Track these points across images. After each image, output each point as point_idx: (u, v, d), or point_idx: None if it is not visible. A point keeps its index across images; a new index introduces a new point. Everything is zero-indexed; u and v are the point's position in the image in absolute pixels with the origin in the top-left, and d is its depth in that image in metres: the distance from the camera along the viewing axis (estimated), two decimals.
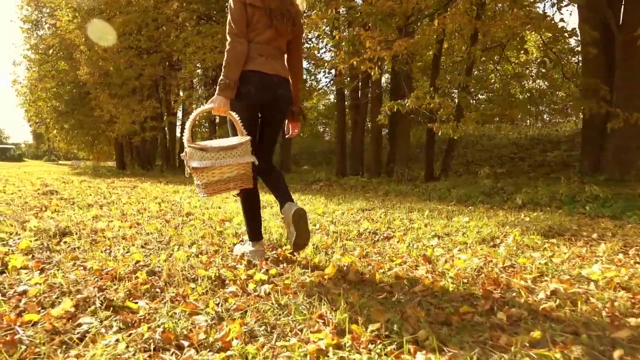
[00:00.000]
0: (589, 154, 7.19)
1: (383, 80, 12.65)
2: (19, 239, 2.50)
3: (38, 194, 5.89)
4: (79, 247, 2.41)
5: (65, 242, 2.51)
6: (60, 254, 2.24)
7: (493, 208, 4.57)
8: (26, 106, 20.67)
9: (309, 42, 10.70)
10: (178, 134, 18.16)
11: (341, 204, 4.91)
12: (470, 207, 4.61)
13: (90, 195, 5.96)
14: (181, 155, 2.00)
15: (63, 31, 14.15)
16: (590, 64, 6.61)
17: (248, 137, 2.01)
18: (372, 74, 5.32)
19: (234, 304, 1.52)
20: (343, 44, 5.29)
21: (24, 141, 67.73)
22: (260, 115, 2.18)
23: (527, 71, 13.71)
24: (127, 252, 2.34)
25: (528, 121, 23.85)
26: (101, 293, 1.55)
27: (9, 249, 2.21)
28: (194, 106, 12.79)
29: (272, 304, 1.52)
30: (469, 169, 14.47)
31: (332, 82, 12.25)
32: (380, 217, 3.83)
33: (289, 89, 2.17)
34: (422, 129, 18.64)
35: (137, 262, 2.07)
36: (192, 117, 1.97)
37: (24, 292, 1.56)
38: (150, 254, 2.33)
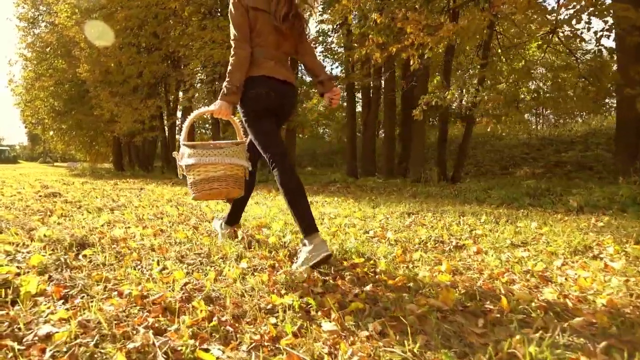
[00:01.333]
0: (625, 154, 6.79)
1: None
2: (28, 252, 2.04)
3: (40, 196, 5.41)
4: (103, 263, 1.95)
5: (84, 256, 2.05)
6: (82, 271, 1.79)
7: (547, 211, 4.14)
8: (22, 106, 20.07)
9: (329, 35, 10.20)
10: (178, 136, 17.66)
11: (377, 207, 4.47)
12: (522, 210, 4.18)
13: (97, 197, 5.49)
14: (173, 153, 2.01)
15: (61, 27, 13.64)
16: (627, 54, 6.19)
17: (244, 140, 2.01)
18: (412, 62, 4.87)
19: (350, 352, 1.07)
20: (372, 33, 4.86)
21: (18, 143, 66.76)
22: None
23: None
24: (164, 269, 1.89)
25: (530, 121, 23.46)
26: (160, 339, 1.10)
27: (18, 267, 1.75)
28: (195, 103, 12.29)
29: (404, 352, 1.07)
30: (480, 170, 14.11)
31: (344, 78, 11.77)
32: (433, 222, 3.39)
33: (295, 95, 2.19)
34: (427, 128, 18.26)
35: (186, 284, 1.62)
36: (191, 117, 1.93)
37: (48, 337, 1.10)
38: (193, 270, 1.88)
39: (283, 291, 1.60)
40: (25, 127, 33.39)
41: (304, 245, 1.92)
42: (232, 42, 1.97)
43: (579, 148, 13.35)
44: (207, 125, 23.02)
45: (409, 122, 11.90)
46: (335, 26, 9.62)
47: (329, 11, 5.69)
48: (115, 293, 1.49)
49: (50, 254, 1.98)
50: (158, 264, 1.97)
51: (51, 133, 21.09)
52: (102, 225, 3.24)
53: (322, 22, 7.93)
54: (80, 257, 2.05)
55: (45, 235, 2.35)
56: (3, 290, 1.38)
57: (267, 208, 4.25)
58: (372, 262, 2.09)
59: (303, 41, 2.18)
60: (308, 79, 14.61)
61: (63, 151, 23.22)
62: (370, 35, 4.58)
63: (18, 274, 1.62)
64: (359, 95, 13.40)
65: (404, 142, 11.26)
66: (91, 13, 12.19)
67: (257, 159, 2.26)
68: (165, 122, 14.82)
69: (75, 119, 15.76)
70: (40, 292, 1.47)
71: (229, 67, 1.92)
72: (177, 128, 18.01)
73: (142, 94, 12.58)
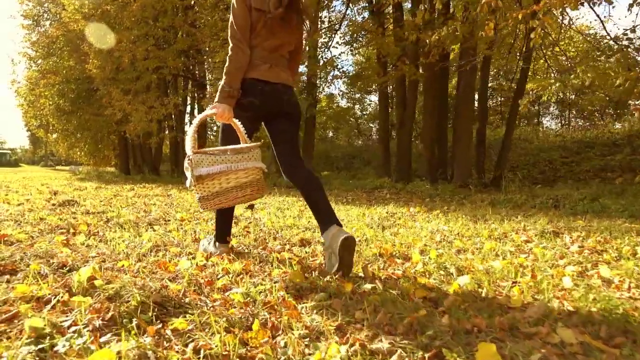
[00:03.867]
0: None
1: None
2: (73, 329, 1.09)
3: (53, 205, 4.47)
4: (226, 355, 1.00)
5: (177, 333, 1.11)
6: None
7: None
8: (25, 107, 19.13)
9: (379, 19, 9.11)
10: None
11: (486, 221, 3.52)
12: None
13: (122, 207, 4.55)
14: (185, 163, 1.75)
15: (68, 20, 12.75)
16: None
17: (258, 143, 1.91)
18: (533, 35, 3.90)
19: None
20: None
21: (20, 146, 65.81)
22: (269, 123, 2.04)
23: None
24: None
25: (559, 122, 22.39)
26: None
27: None
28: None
29: None
30: (519, 175, 13.17)
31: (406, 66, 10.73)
32: (610, 247, 2.44)
33: (292, 95, 2.01)
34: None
35: None
36: (195, 122, 1.81)
37: None
38: None
39: None
40: (28, 129, 32.52)
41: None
42: (230, 41, 1.85)
43: (626, 151, 12.38)
44: (214, 129, 22.13)
45: (446, 121, 11.00)
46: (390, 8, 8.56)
47: None
48: None
49: (127, 342, 1.02)
50: (325, 353, 1.03)
51: (55, 135, 20.20)
52: (150, 251, 2.32)
53: (366, 7, 7.00)
54: (168, 332, 1.11)
55: (92, 284, 1.41)
56: None
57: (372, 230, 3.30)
58: None
59: (298, 56, 2.08)
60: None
61: (67, 154, 22.19)
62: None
63: None
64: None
65: (440, 143, 10.34)
66: (102, 5, 11.30)
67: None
68: (174, 122, 13.91)
69: (82, 119, 14.78)
70: None
71: (228, 68, 1.83)
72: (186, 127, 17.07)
73: (157, 92, 11.65)
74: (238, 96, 1.84)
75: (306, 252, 2.26)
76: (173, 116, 13.57)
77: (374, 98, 29.49)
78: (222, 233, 2.14)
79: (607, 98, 18.31)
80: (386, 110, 10.90)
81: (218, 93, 1.84)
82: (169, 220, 3.56)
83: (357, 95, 25.18)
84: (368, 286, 1.57)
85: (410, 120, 10.42)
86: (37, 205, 4.41)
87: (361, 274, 1.78)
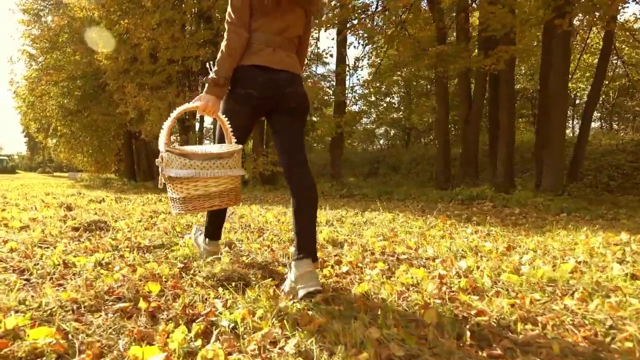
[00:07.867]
0: None
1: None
2: None
3: (75, 231, 2.92)
4: None
5: None
6: None
7: None
8: (24, 109, 17.55)
9: None
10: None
11: None
12: None
13: (175, 230, 3.01)
14: (156, 161, 1.60)
15: (73, 8, 11.26)
16: None
17: (240, 146, 1.69)
18: None
19: None
20: None
21: (17, 152, 63.97)
22: (270, 116, 1.75)
23: None
24: None
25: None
26: None
27: None
28: None
29: None
30: (584, 182, 11.69)
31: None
32: None
33: (302, 84, 1.74)
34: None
35: None
36: (172, 115, 1.61)
37: None
38: None
39: None
40: (26, 134, 30.87)
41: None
42: (226, 25, 1.64)
43: None
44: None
45: (514, 119, 9.57)
46: None
47: None
48: None
49: None
50: None
51: (54, 140, 18.66)
52: None
53: None
54: None
55: None
56: None
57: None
58: None
59: (307, 31, 1.79)
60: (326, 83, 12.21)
61: (68, 160, 20.52)
62: None
63: None
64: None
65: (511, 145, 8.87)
66: None
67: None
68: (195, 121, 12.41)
69: (89, 120, 13.19)
70: None
71: (219, 54, 1.63)
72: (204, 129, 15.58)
73: (178, 86, 10.15)
74: (226, 85, 1.62)
75: None
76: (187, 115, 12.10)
77: (389, 99, 28.15)
78: (213, 231, 1.96)
79: None
80: (446, 106, 9.41)
81: (206, 83, 1.63)
82: (284, 265, 2.04)
83: (373, 99, 23.78)
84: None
85: (477, 117, 8.96)
86: (50, 230, 2.86)
87: None
